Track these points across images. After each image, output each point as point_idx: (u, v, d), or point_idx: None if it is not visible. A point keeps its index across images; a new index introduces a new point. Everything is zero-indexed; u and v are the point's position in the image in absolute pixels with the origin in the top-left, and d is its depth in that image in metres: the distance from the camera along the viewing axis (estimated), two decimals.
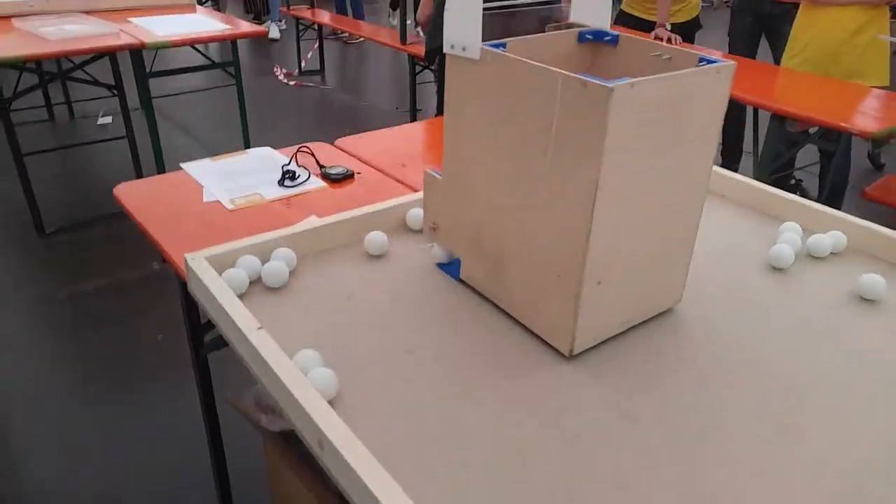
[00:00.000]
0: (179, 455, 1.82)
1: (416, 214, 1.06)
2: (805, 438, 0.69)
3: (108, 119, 4.10)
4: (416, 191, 1.16)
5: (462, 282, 0.93)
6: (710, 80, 0.76)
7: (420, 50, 3.82)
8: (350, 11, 6.27)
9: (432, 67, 3.67)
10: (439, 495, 0.63)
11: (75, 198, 3.26)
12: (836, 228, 1.04)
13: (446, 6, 0.80)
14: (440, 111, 2.65)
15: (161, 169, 2.89)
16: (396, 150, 1.55)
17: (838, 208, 1.08)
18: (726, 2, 3.62)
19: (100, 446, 1.85)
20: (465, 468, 0.66)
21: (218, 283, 0.86)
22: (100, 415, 1.96)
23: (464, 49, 0.81)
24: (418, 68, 3.97)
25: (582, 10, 0.93)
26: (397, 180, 1.38)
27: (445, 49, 0.83)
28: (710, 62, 0.77)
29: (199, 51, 3.10)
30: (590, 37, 0.91)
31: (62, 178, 3.46)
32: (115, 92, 3.00)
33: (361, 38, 5.91)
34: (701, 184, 0.83)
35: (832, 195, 2.86)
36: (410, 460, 0.66)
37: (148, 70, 2.77)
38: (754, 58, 3.42)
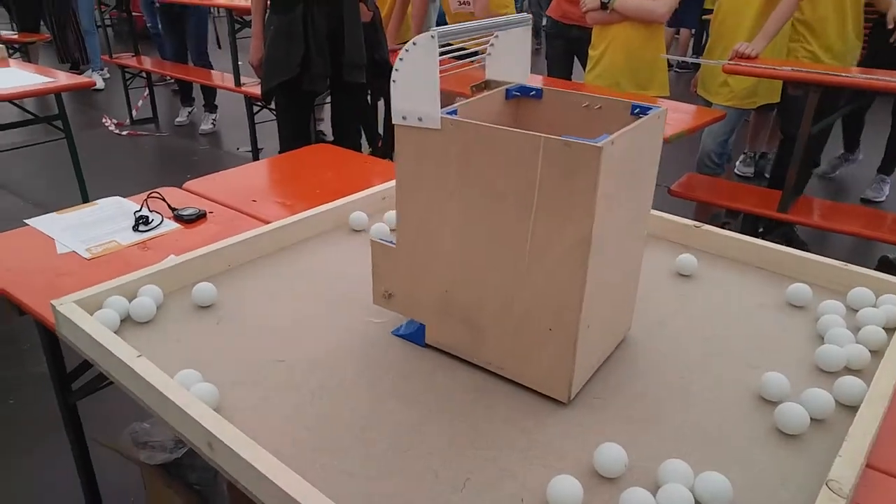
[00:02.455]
0: None
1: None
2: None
3: None
4: (267, 223, 1.27)
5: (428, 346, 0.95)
6: (656, 126, 0.84)
7: (255, 90, 3.88)
8: (189, 59, 5.33)
9: (270, 107, 3.75)
10: (319, 473, 0.74)
11: None
12: None
13: (393, 76, 0.79)
14: (283, 148, 2.75)
15: None
16: (245, 188, 1.64)
17: None
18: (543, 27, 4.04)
19: None
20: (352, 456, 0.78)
21: (91, 322, 0.92)
22: None
23: (420, 119, 0.80)
24: (255, 108, 4.02)
25: (497, 67, 0.97)
26: (250, 215, 1.48)
27: (396, 120, 0.81)
28: (644, 109, 0.83)
29: (19, 106, 2.96)
30: (517, 93, 0.95)
31: None
32: None
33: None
34: (645, 220, 0.91)
35: None
36: (294, 449, 0.78)
37: None
38: (569, 78, 3.84)
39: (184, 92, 5.25)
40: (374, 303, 0.97)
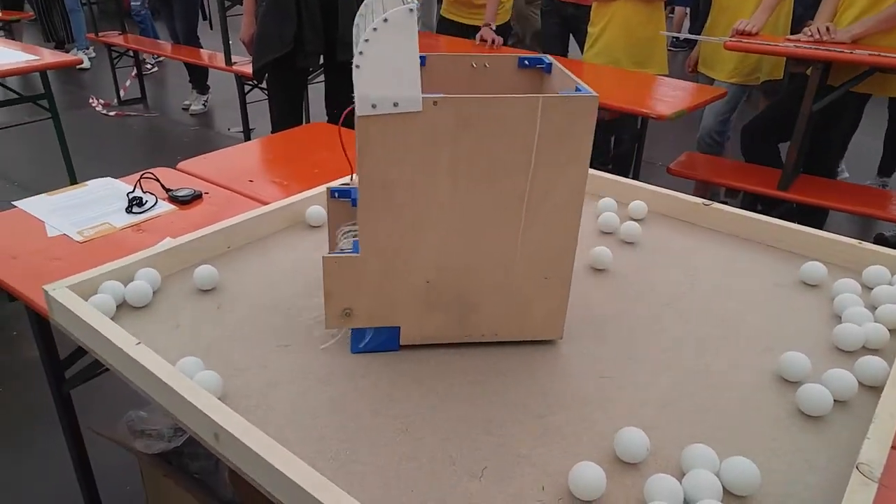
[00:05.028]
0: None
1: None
2: None
3: None
4: (265, 203, 1.22)
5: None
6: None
7: (247, 69, 3.80)
8: (182, 36, 5.01)
9: (262, 86, 3.67)
10: (330, 463, 0.72)
11: None
12: (639, 198, 1.25)
13: (356, 61, 0.71)
14: (276, 128, 2.69)
15: None
16: (240, 168, 1.60)
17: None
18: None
19: None
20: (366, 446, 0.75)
21: (87, 308, 0.88)
22: None
23: (395, 104, 0.72)
24: (247, 88, 3.94)
25: None
26: (246, 196, 1.43)
27: (362, 111, 0.72)
28: (532, 62, 0.92)
29: (2, 85, 2.89)
30: None
31: None
32: None
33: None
34: None
35: (622, 169, 3.23)
36: (304, 438, 0.75)
37: None
38: (566, 55, 3.79)
39: (196, 78, 4.93)
40: (327, 327, 0.87)
